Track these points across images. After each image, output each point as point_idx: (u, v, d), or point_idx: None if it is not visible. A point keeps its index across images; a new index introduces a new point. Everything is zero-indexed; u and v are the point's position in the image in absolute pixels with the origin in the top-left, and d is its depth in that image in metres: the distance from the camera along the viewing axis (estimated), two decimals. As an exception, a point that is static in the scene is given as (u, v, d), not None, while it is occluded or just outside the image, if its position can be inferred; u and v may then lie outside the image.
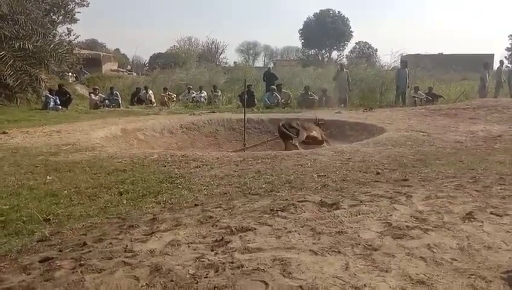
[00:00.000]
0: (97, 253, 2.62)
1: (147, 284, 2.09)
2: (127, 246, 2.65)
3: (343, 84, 15.47)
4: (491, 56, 37.80)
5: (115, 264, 2.39)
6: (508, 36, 44.92)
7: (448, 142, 6.64)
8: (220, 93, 18.21)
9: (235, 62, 40.82)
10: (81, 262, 2.46)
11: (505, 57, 42.00)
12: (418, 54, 26.10)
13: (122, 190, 4.45)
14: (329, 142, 8.80)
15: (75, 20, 24.08)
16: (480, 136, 7.12)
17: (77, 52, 21.67)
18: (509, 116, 9.11)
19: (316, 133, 8.79)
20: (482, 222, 2.90)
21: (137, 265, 2.32)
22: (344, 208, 3.25)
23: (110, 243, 2.81)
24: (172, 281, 2.08)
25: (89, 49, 32.01)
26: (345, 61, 39.85)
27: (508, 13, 78.93)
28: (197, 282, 2.05)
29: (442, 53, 35.23)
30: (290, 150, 7.70)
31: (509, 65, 35.54)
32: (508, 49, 43.86)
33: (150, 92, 17.78)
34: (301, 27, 50.85)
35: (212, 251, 2.46)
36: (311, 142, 8.58)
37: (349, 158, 5.63)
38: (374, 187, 4.02)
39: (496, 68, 20.07)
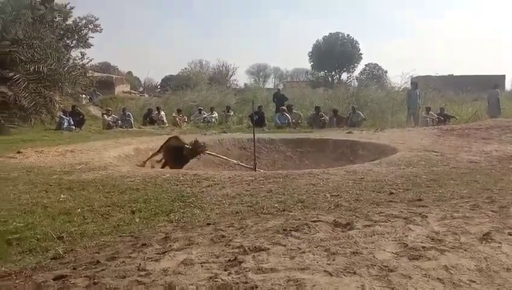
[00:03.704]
0: (110, 271, 2.61)
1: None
2: (140, 265, 2.64)
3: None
4: (503, 77, 37.65)
5: (129, 283, 2.38)
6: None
7: (462, 162, 6.56)
8: (232, 113, 18.37)
9: (245, 84, 41.28)
10: (95, 280, 2.46)
11: (517, 77, 41.65)
12: (429, 76, 26.13)
13: (134, 208, 4.47)
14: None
15: (88, 45, 24.72)
16: (494, 156, 7.04)
17: (90, 74, 22.10)
18: (523, 137, 9.01)
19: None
20: (500, 243, 2.83)
21: (150, 284, 2.31)
22: (358, 228, 3.21)
23: (123, 261, 2.81)
24: (186, 300, 2.06)
25: (102, 71, 32.60)
26: (355, 83, 39.96)
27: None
28: (211, 302, 2.04)
29: (452, 74, 35.18)
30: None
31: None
32: (519, 70, 43.63)
33: (162, 112, 18.00)
34: (310, 50, 51.31)
35: (225, 270, 2.44)
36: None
37: (362, 178, 5.59)
38: (388, 207, 3.98)
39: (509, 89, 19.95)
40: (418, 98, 15.44)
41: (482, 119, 14.62)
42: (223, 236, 3.20)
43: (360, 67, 51.39)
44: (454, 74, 35.21)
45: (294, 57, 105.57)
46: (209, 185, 5.47)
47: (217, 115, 18.00)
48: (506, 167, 6.03)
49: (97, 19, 25.30)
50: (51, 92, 15.53)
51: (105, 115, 16.86)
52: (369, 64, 50.23)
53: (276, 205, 4.31)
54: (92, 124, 17.75)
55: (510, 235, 2.98)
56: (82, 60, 22.50)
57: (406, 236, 2.99)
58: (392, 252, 2.72)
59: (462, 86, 25.81)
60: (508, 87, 36.16)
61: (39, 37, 14.06)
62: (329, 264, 2.54)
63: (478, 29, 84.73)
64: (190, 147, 8.66)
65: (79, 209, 4.52)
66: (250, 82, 46.83)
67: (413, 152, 7.76)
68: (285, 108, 15.84)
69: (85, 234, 3.74)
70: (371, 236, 3.05)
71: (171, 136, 9.24)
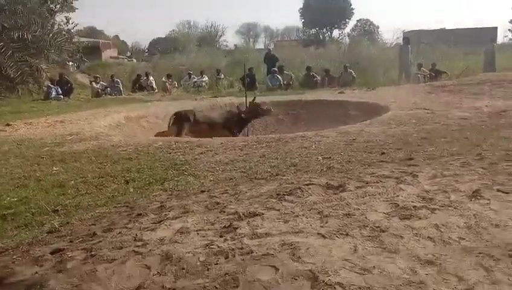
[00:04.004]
0: (107, 243, 2.65)
1: (158, 272, 2.11)
2: (136, 235, 2.68)
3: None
4: (495, 29, 37.23)
5: (126, 254, 2.42)
6: (511, 8, 44.08)
7: (453, 119, 6.59)
8: (223, 76, 18.14)
9: (235, 45, 40.54)
10: (92, 253, 2.50)
11: (509, 29, 41.26)
12: (420, 30, 25.82)
13: (128, 178, 4.48)
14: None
15: (73, 9, 23.84)
16: (484, 111, 7.07)
17: (76, 40, 21.54)
18: (514, 91, 9.03)
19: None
20: (489, 199, 2.90)
21: (148, 254, 2.35)
22: (350, 190, 3.26)
23: (120, 232, 2.84)
24: (183, 269, 2.11)
25: (87, 36, 31.77)
26: (347, 40, 39.43)
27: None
28: (208, 269, 2.08)
29: (444, 28, 34.72)
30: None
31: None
32: (511, 22, 43.08)
33: (151, 78, 17.70)
34: (301, 6, 50.16)
35: (221, 237, 2.49)
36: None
37: (353, 139, 5.62)
38: (380, 167, 4.02)
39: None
40: (409, 54, 15.28)
41: (473, 74, 14.60)
42: (218, 203, 3.23)
43: (351, 23, 50.52)
44: (447, 28, 34.78)
45: (285, 14, 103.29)
46: (202, 152, 5.47)
47: (207, 78, 17.75)
48: (496, 123, 6.07)
49: (80, -19, 24.33)
50: (37, 61, 15.13)
51: (93, 83, 16.56)
52: (360, 20, 49.36)
53: (269, 170, 4.33)
54: (80, 93, 17.50)
55: (499, 191, 3.04)
56: (67, 25, 21.85)
57: (397, 196, 3.04)
58: (384, 213, 2.78)
59: (454, 39, 25.57)
60: (499, 39, 35.84)
61: (22, 1, 13.60)
62: (322, 227, 2.59)
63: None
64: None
65: (72, 182, 4.51)
66: (240, 43, 46.01)
67: (405, 110, 7.77)
68: (277, 69, 15.63)
69: (80, 206, 3.76)
70: (363, 197, 3.10)
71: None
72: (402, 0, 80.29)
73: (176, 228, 2.72)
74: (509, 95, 8.69)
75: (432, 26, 31.84)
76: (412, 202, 2.91)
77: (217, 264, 2.13)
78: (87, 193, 4.14)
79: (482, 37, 29.78)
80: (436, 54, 19.18)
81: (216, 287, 1.91)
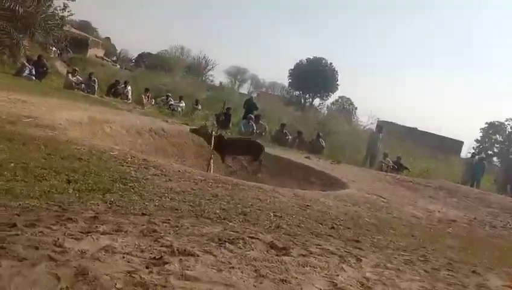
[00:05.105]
0: (24, 239, 2.40)
1: (67, 287, 1.89)
2: (58, 239, 2.44)
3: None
4: (461, 143, 39.49)
5: (40, 257, 2.18)
6: (480, 129, 47.10)
7: (405, 215, 6.70)
8: (200, 108, 18.13)
9: (221, 82, 41.01)
10: (4, 245, 2.25)
11: (473, 147, 43.86)
12: (395, 123, 27.01)
13: (71, 178, 4.23)
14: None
15: (73, -3, 23.62)
16: (436, 216, 7.24)
17: (67, 29, 21.20)
18: (466, 205, 9.35)
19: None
20: (425, 304, 2.85)
21: (63, 263, 2.12)
22: (293, 256, 3.15)
23: (42, 231, 2.60)
24: (95, 291, 1.90)
25: (79, 29, 31.41)
26: (325, 111, 40.69)
27: (483, 105, 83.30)
28: (122, 299, 1.88)
29: (416, 128, 36.50)
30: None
31: (471, 155, 37.00)
32: (477, 141, 45.90)
33: (129, 88, 17.48)
34: (292, 67, 51.85)
35: (147, 268, 2.29)
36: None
37: (308, 205, 5.58)
38: (327, 241, 3.95)
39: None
40: (379, 141, 15.84)
41: (431, 177, 15.17)
42: (155, 231, 3.04)
43: (333, 97, 52.43)
44: (419, 128, 36.55)
45: (274, 70, 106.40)
46: (155, 174, 5.28)
47: (184, 105, 17.70)
48: (444, 230, 6.20)
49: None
50: (21, 35, 14.72)
51: (70, 74, 16.16)
52: (342, 97, 51.38)
53: (217, 212, 4.19)
54: (54, 80, 17.00)
55: (435, 299, 3.01)
56: (63, 12, 21.58)
57: (337, 275, 2.95)
58: (320, 289, 2.67)
59: (423, 141, 26.84)
60: (463, 154, 37.89)
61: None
62: (255, 286, 2.45)
63: (454, 95, 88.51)
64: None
65: (12, 164, 4.22)
66: (226, 82, 46.57)
67: (362, 192, 7.87)
68: (253, 117, 15.79)
69: (11, 191, 3.49)
70: (304, 267, 2.99)
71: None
72: (384, 91, 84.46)
73: (102, 244, 2.50)
74: (462, 206, 9.00)
75: (406, 123, 33.33)
76: (351, 286, 2.82)
77: (133, 296, 1.94)
78: (24, 180, 3.86)
79: (448, 146, 31.50)
80: (403, 149, 19.95)
81: (124, 322, 1.71)
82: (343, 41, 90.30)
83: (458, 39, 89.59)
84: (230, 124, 15.80)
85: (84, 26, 38.97)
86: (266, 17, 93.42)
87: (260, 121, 16.17)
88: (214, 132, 8.67)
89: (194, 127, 8.61)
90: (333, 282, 2.78)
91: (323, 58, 52.12)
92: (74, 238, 2.53)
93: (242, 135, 14.47)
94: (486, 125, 46.70)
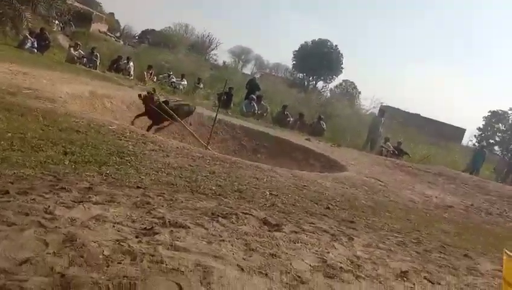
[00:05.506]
0: (15, 205, 2.41)
1: (54, 252, 1.90)
2: (49, 206, 2.44)
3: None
4: (463, 131, 39.36)
5: (29, 222, 2.19)
6: (483, 117, 46.83)
7: (402, 199, 6.71)
8: (202, 86, 18.03)
9: (224, 62, 40.63)
10: (-6, 210, 2.25)
11: (475, 135, 43.70)
12: (397, 108, 26.88)
13: (68, 150, 4.22)
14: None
15: (79, -32, 23.30)
16: (433, 201, 7.25)
17: (70, 2, 20.95)
18: (464, 191, 9.36)
19: None
20: (414, 284, 2.87)
21: (51, 230, 2.13)
22: (285, 232, 3.16)
23: (34, 199, 2.60)
24: (82, 257, 1.90)
25: (83, 3, 31.05)
26: (328, 94, 40.45)
27: (488, 93, 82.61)
28: (108, 266, 1.89)
29: (419, 114, 36.31)
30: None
31: (476, 144, 36.98)
32: (479, 129, 45.68)
33: (131, 63, 17.34)
34: (297, 49, 51.28)
35: (136, 237, 2.30)
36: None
37: (305, 185, 5.58)
38: (321, 220, 3.96)
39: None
40: (381, 126, 15.77)
41: (431, 164, 15.15)
42: (148, 203, 3.05)
43: (337, 80, 51.99)
44: (421, 115, 36.37)
45: (279, 51, 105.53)
46: (153, 149, 5.27)
47: (186, 83, 17.59)
48: (440, 215, 6.21)
49: None
50: (23, 7, 14.54)
51: (72, 48, 16.03)
52: (346, 80, 50.83)
53: (213, 188, 4.20)
54: (56, 53, 16.88)
55: (425, 279, 3.02)
56: (66, -15, 21.30)
57: (328, 252, 2.96)
58: (310, 265, 2.68)
59: (425, 127, 26.74)
60: (464, 142, 37.82)
61: None
62: (244, 259, 2.46)
63: (457, 82, 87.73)
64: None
65: (10, 134, 4.22)
66: (229, 62, 46.18)
67: (360, 175, 7.87)
68: (255, 97, 15.69)
69: (7, 160, 3.49)
70: (295, 243, 3.00)
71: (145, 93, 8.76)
72: (388, 76, 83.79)
73: (93, 213, 2.51)
74: (459, 193, 9.01)
75: (408, 109, 33.07)
76: (340, 262, 2.84)
77: (120, 263, 1.94)
78: (21, 150, 3.86)
79: (449, 134, 31.38)
80: (405, 135, 19.87)
81: (108, 287, 1.72)
82: (350, 25, 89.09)
83: (464, 28, 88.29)
84: (232, 104, 15.71)
85: (88, 0, 38.56)
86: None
87: (262, 102, 16.07)
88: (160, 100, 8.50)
89: (143, 93, 8.46)
90: (323, 259, 2.80)
91: (329, 41, 51.44)
92: (65, 207, 2.54)
93: (243, 114, 14.42)
94: (489, 114, 46.43)
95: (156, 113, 8.30)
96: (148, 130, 8.10)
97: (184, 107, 9.27)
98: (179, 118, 8.62)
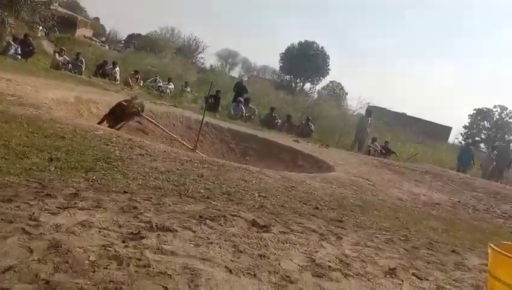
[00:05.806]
0: (-1, 213, 2.37)
1: (38, 259, 1.87)
2: (33, 213, 2.41)
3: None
4: (449, 129, 39.86)
5: (13, 230, 2.16)
6: (468, 115, 47.53)
7: (390, 197, 6.76)
8: (189, 90, 17.99)
9: (211, 65, 40.63)
10: (-24, 219, 2.21)
11: (461, 133, 44.33)
12: (384, 108, 27.07)
13: (54, 156, 4.17)
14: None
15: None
16: (420, 199, 7.32)
17: (54, 8, 20.73)
18: (451, 189, 9.46)
19: None
20: (402, 281, 2.89)
21: (36, 237, 2.10)
22: (273, 233, 3.16)
23: (18, 206, 2.57)
24: (67, 262, 1.88)
25: (68, 9, 30.78)
26: (315, 95, 40.64)
27: (473, 91, 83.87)
28: (94, 271, 1.87)
29: (405, 113, 36.67)
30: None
31: (462, 142, 37.50)
32: (465, 127, 46.34)
33: (117, 68, 17.22)
34: (283, 51, 51.45)
35: (123, 242, 2.28)
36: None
37: (293, 186, 5.60)
38: (309, 220, 3.97)
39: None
40: (368, 126, 15.88)
41: (418, 162, 15.30)
42: (135, 207, 3.02)
43: (324, 82, 52.25)
44: (407, 114, 36.73)
45: (266, 53, 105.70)
46: (140, 154, 5.23)
47: (173, 87, 17.52)
48: (428, 212, 6.27)
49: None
50: (6, 13, 14.40)
51: (57, 54, 15.87)
52: (333, 82, 51.17)
53: (201, 191, 4.18)
54: (40, 60, 16.67)
55: (414, 275, 3.05)
56: (50, -10, 21.08)
57: (316, 252, 2.97)
58: (298, 264, 2.68)
59: (411, 126, 27.00)
60: (450, 140, 38.28)
61: None
62: (232, 261, 2.46)
63: (444, 82, 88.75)
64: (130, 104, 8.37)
65: (-7, 142, 4.15)
66: (217, 65, 46.12)
67: (348, 175, 7.91)
68: (243, 100, 15.69)
69: (-10, 168, 3.43)
70: (283, 243, 3.01)
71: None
72: (375, 78, 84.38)
73: (79, 219, 2.48)
74: (447, 190, 9.11)
75: (395, 108, 33.38)
76: (329, 261, 2.85)
77: (106, 268, 1.92)
78: (5, 157, 3.80)
79: (436, 132, 31.72)
80: (391, 134, 20.04)
81: (94, 293, 1.70)
82: (336, 26, 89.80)
83: (448, 27, 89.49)
84: (220, 107, 15.69)
85: (73, 5, 38.16)
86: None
87: (250, 105, 16.08)
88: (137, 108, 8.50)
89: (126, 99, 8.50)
90: (312, 258, 2.80)
91: (315, 42, 51.74)
92: (51, 213, 2.51)
93: (231, 117, 14.40)
94: (475, 112, 47.15)
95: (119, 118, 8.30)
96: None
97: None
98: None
